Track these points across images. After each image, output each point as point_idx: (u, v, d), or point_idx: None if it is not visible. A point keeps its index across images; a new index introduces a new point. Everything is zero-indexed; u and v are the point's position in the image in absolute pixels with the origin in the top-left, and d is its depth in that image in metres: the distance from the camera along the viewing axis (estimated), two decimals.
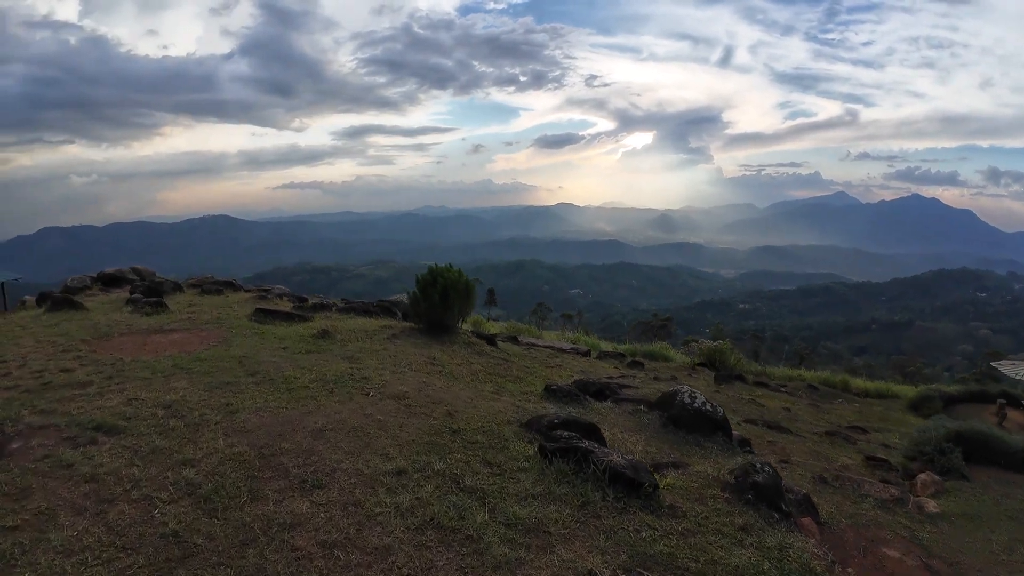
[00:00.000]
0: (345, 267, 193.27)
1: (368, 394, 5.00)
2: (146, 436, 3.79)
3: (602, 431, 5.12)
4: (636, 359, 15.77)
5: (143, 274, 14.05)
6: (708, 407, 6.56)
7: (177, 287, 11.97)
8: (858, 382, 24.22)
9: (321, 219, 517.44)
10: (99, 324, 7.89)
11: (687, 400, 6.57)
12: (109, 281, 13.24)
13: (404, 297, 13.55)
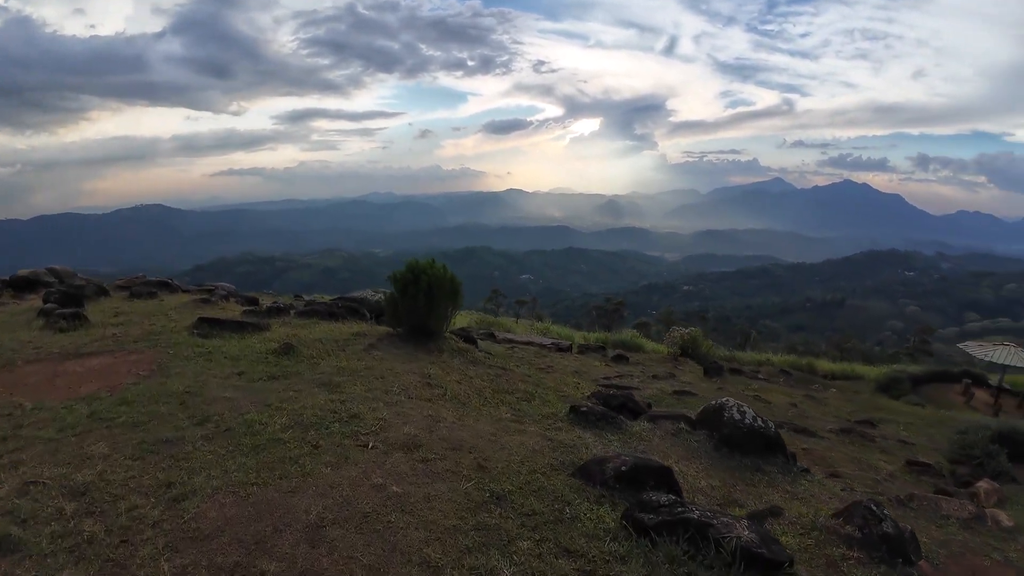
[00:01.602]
0: (291, 257, 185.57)
1: (367, 446, 3.67)
2: (48, 559, 2.35)
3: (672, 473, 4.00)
4: (619, 352, 14.96)
5: (61, 275, 11.78)
6: (760, 423, 5.63)
7: (101, 291, 9.97)
8: (823, 364, 24.48)
9: (264, 207, 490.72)
10: (1, 346, 6.12)
11: (736, 416, 5.62)
12: (23, 285, 10.95)
13: (369, 294, 12.07)
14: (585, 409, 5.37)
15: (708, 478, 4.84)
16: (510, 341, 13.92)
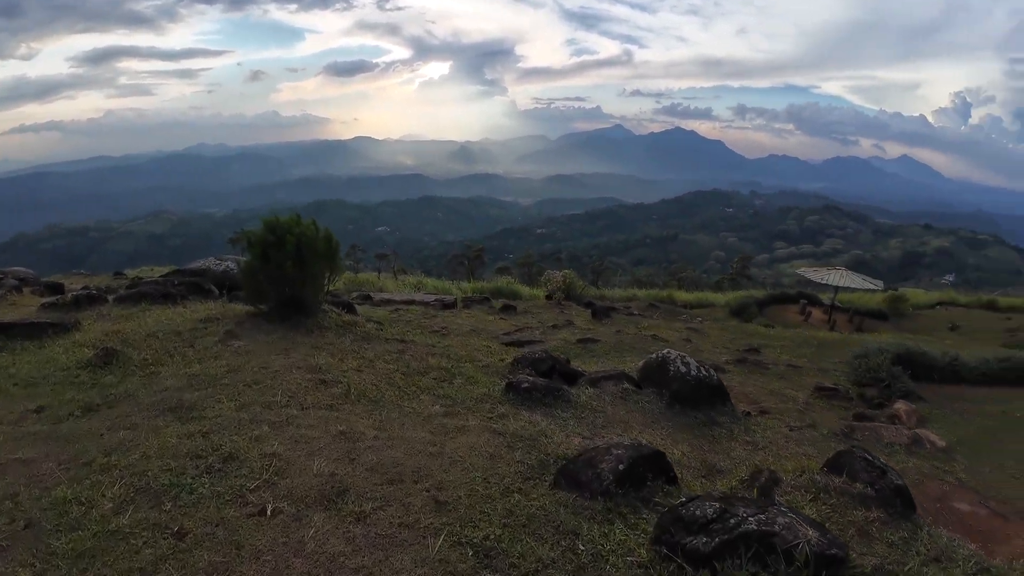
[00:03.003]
0: (108, 225, 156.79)
1: (264, 511, 2.32)
2: None
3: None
4: (505, 302, 14.25)
5: None
6: (704, 372, 5.20)
7: None
8: (680, 295, 26.41)
9: (67, 168, 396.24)
10: None
11: (683, 369, 5.11)
12: None
13: (213, 263, 9.83)
14: (527, 385, 4.42)
15: (676, 444, 4.26)
16: (389, 302, 12.49)
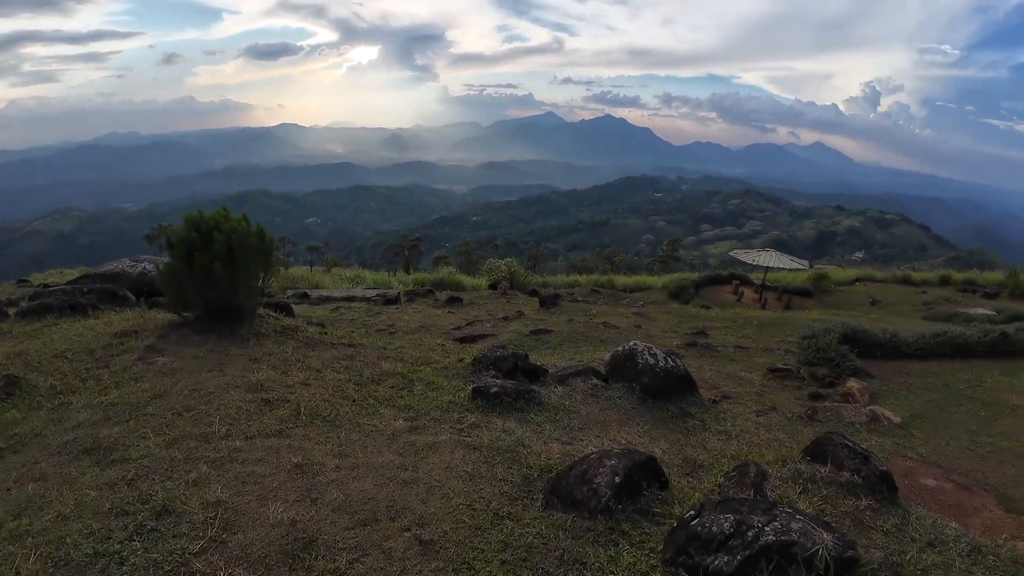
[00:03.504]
0: (10, 225, 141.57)
1: None
2: None
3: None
4: (450, 294, 13.83)
5: None
6: (671, 363, 5.09)
7: None
8: (620, 279, 26.90)
9: None
10: None
11: (651, 361, 4.97)
12: None
13: (128, 265, 8.86)
14: (496, 389, 4.10)
15: (655, 442, 4.10)
16: (328, 299, 11.78)
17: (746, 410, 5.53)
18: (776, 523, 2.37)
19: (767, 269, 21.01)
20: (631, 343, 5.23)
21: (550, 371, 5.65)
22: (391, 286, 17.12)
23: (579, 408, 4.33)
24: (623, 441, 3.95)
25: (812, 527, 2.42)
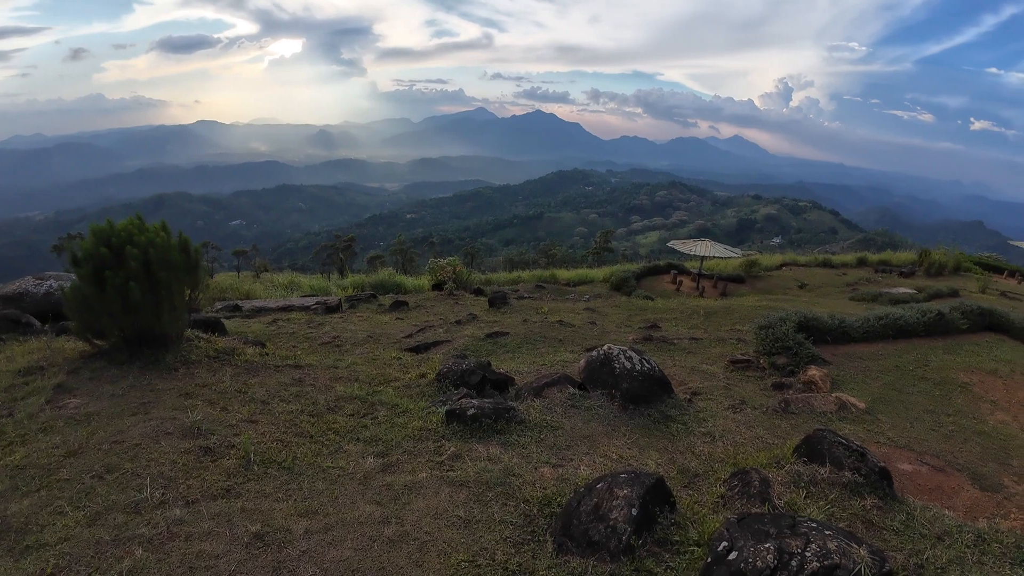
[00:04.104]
0: None
1: None
2: None
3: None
4: (395, 298, 13.19)
5: None
6: (647, 365, 4.91)
7: None
8: (562, 273, 26.97)
9: None
10: None
11: (628, 366, 4.75)
12: None
13: (32, 284, 7.79)
14: (473, 411, 3.71)
15: (646, 453, 3.87)
16: (263, 310, 10.88)
17: (719, 406, 5.43)
18: (814, 545, 2.24)
19: (703, 258, 21.63)
20: (605, 347, 4.99)
21: (516, 379, 5.34)
22: (330, 292, 16.22)
23: (562, 423, 4.02)
24: (614, 456, 3.69)
25: (847, 544, 2.33)
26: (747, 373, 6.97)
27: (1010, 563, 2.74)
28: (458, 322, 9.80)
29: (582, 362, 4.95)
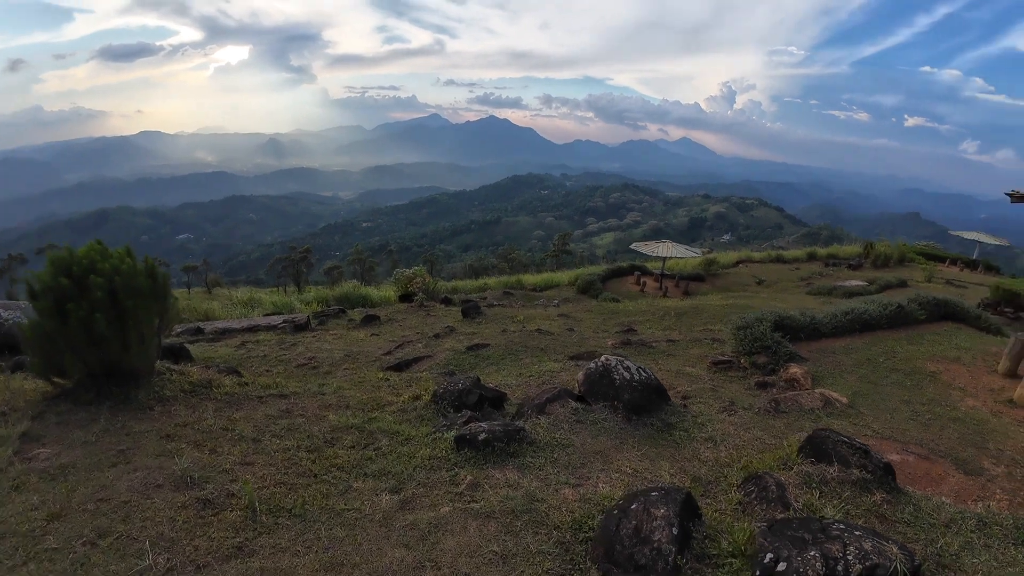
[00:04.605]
0: None
1: None
2: None
3: None
4: (367, 312, 12.82)
5: None
6: (644, 374, 4.89)
7: None
8: (528, 278, 27.00)
9: None
10: None
11: (627, 376, 4.74)
12: None
13: None
14: (484, 436, 3.56)
15: (658, 464, 3.85)
16: (228, 332, 10.37)
17: (711, 409, 5.46)
18: (852, 548, 2.31)
19: (664, 259, 22.04)
20: (603, 358, 4.93)
21: (507, 394, 5.22)
22: (294, 308, 15.64)
23: (571, 440, 3.93)
24: (628, 471, 3.63)
25: (880, 543, 2.42)
26: (729, 373, 7.06)
27: (1013, 544, 2.93)
28: (436, 336, 9.58)
29: (580, 375, 4.88)
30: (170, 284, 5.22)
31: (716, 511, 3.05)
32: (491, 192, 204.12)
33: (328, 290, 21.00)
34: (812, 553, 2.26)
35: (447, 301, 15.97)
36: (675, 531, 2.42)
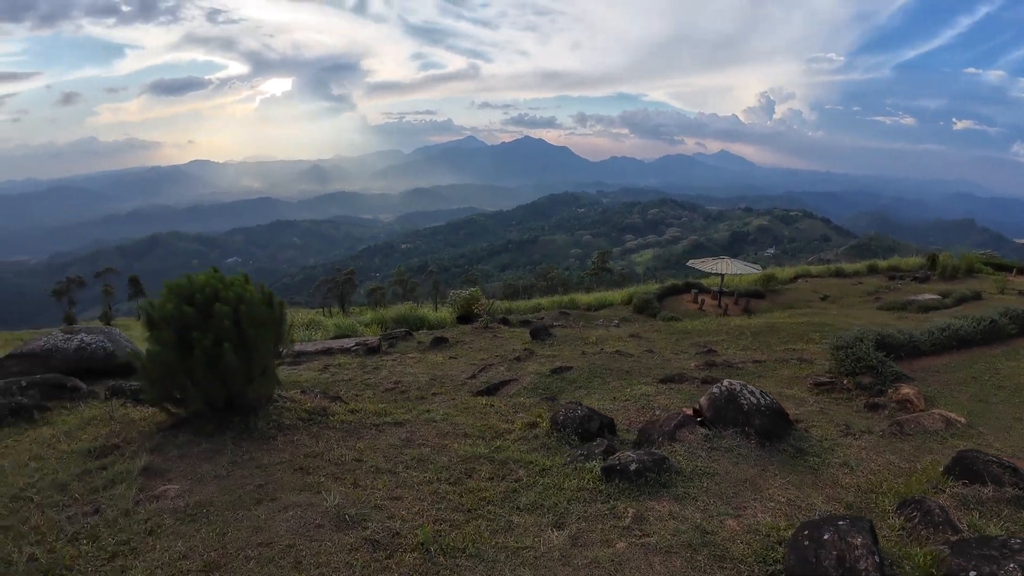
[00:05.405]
0: None
1: None
2: None
3: None
4: (436, 335, 12.86)
5: None
6: (767, 399, 4.70)
7: None
8: (581, 298, 26.73)
9: None
10: None
11: (754, 401, 4.62)
12: None
13: (60, 339, 7.37)
14: (636, 466, 3.43)
15: (805, 492, 3.68)
16: (303, 354, 10.52)
17: (832, 433, 5.21)
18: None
19: (723, 276, 21.48)
20: (726, 382, 4.74)
21: (615, 421, 5.04)
22: (356, 330, 15.84)
23: (714, 468, 3.75)
24: (782, 499, 3.47)
25: None
26: (833, 395, 6.73)
27: None
28: (517, 359, 9.47)
29: (704, 400, 4.68)
30: (285, 313, 5.29)
31: (882, 537, 2.94)
32: (527, 212, 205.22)
33: (385, 311, 21.26)
34: (1011, 566, 2.32)
35: (505, 322, 15.89)
36: (877, 559, 2.39)
